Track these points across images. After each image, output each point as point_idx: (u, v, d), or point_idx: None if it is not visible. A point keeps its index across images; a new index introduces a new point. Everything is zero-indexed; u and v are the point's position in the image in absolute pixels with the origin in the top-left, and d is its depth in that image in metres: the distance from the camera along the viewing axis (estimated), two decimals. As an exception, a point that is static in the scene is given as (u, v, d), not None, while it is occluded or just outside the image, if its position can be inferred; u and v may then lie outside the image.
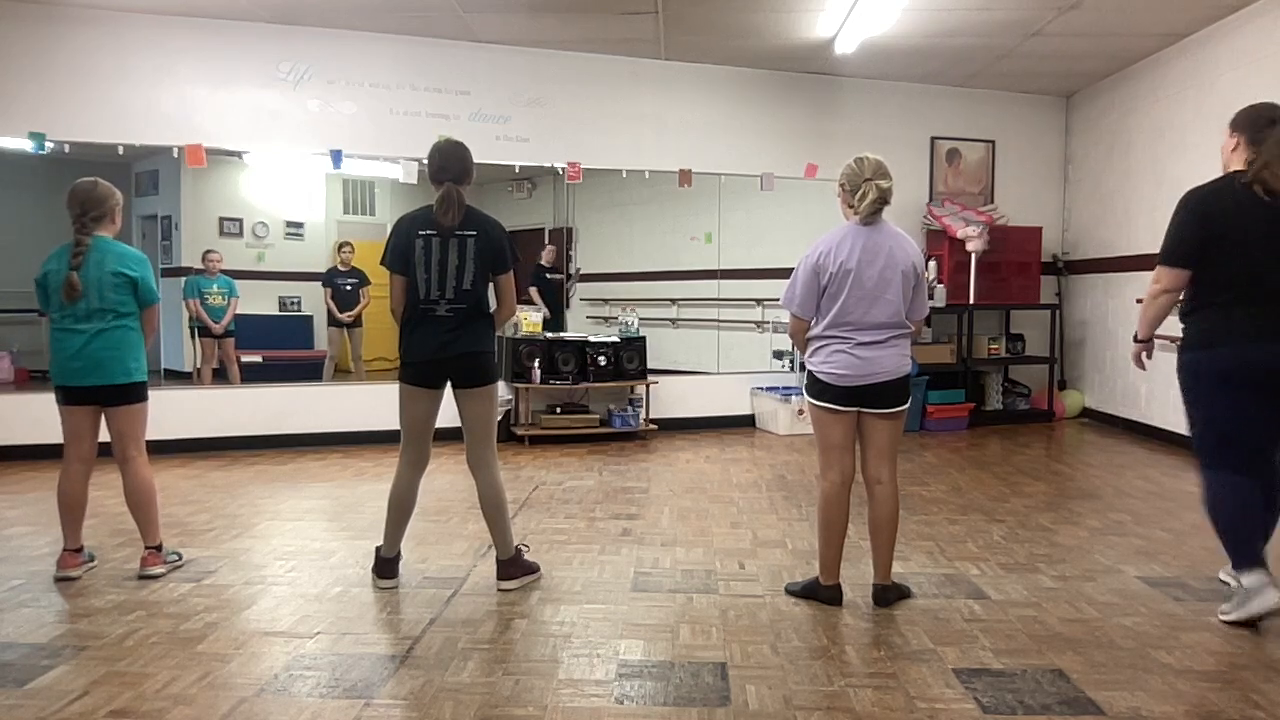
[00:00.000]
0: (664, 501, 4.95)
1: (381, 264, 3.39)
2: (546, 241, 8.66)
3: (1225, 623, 3.13)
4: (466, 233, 3.28)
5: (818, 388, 3.25)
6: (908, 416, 3.41)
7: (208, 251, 7.70)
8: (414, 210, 3.37)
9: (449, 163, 3.31)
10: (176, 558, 3.79)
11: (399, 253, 3.31)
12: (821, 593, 3.32)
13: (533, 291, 8.10)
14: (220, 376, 7.54)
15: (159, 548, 3.68)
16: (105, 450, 3.66)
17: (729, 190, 7.81)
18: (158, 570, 3.64)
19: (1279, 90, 5.62)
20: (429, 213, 3.30)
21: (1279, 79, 5.64)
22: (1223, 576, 3.43)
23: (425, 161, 3.38)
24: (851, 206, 3.22)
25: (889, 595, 3.32)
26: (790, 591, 3.42)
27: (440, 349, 3.31)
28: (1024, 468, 5.92)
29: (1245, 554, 3.03)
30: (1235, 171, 3.05)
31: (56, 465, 3.68)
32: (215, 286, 7.62)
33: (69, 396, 3.56)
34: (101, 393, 3.55)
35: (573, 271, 8.65)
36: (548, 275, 8.47)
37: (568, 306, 8.45)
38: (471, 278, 3.29)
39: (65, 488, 3.60)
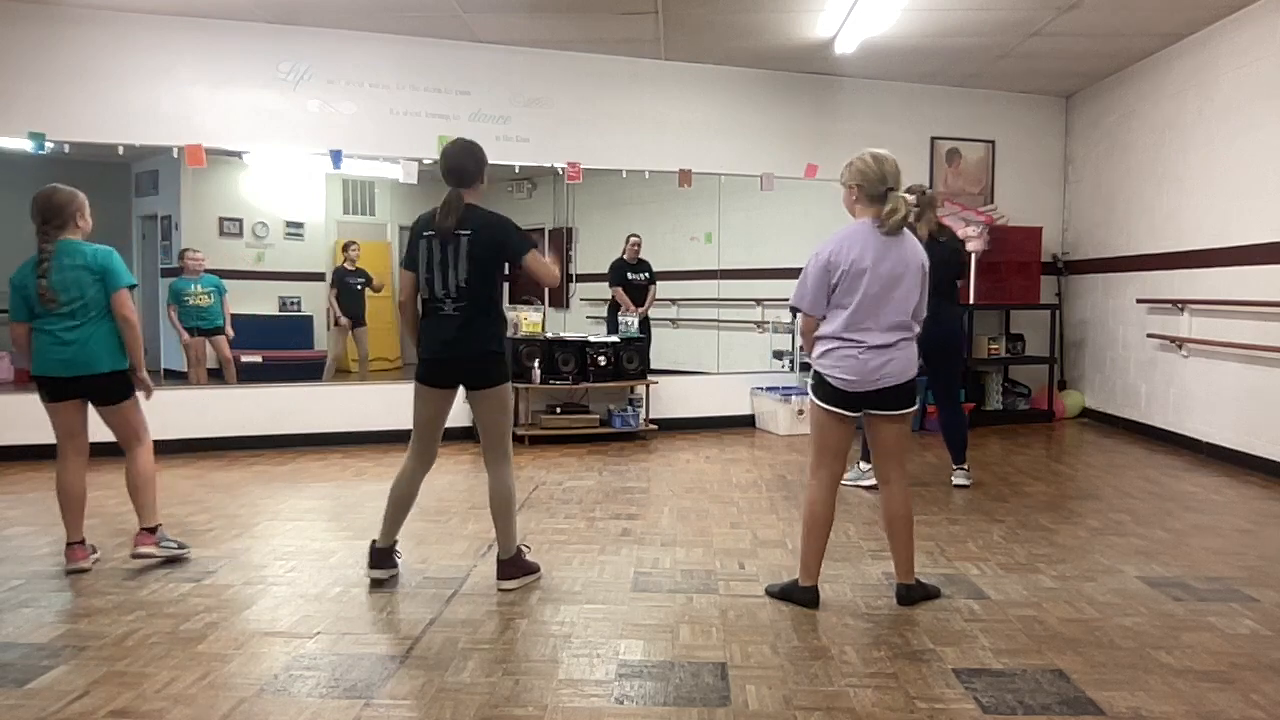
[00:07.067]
0: (664, 501, 4.95)
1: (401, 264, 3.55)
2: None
3: (849, 485, 5.05)
4: (463, 232, 3.33)
5: (824, 390, 3.20)
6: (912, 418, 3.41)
7: (185, 250, 7.42)
8: (427, 210, 3.44)
9: (456, 164, 3.39)
10: (176, 545, 3.79)
11: (410, 251, 3.45)
12: (798, 594, 3.28)
13: (618, 292, 7.78)
14: (216, 376, 7.50)
15: (154, 530, 3.71)
16: (102, 449, 3.67)
17: (729, 190, 7.81)
18: (149, 550, 3.66)
19: (1278, 90, 5.64)
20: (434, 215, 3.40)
21: (1279, 79, 5.64)
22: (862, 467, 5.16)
23: (433, 161, 3.44)
24: (880, 220, 3.12)
25: (913, 594, 3.29)
26: (770, 593, 3.39)
27: (448, 347, 3.37)
28: (1024, 468, 5.91)
29: (864, 454, 4.95)
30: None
31: (55, 464, 3.68)
32: (197, 287, 7.36)
33: (51, 392, 3.61)
34: (80, 384, 3.59)
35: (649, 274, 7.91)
36: (630, 276, 7.81)
37: (643, 307, 7.77)
38: (468, 275, 3.32)
39: (64, 480, 3.66)
